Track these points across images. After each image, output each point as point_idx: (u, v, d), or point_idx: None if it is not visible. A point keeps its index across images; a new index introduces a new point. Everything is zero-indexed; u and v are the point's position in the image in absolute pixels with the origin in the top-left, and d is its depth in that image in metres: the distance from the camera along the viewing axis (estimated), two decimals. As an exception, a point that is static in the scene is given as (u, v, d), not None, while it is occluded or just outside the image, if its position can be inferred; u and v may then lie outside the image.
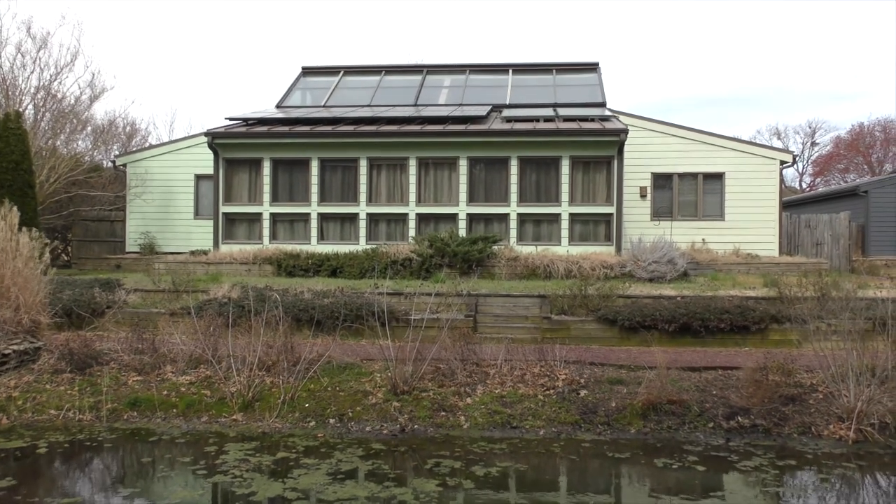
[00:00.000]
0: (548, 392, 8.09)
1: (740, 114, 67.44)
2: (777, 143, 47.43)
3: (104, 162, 22.62)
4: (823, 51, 66.81)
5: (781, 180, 19.09)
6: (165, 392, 8.18)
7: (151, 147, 21.88)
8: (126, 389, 8.29)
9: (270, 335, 8.61)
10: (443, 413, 7.69)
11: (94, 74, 20.52)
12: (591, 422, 7.51)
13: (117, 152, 24.33)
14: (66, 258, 20.60)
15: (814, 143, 49.35)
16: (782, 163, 18.38)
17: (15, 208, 9.72)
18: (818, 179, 48.00)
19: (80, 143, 21.68)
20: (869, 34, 65.58)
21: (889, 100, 60.07)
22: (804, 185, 48.57)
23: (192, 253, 16.98)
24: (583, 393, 8.06)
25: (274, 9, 67.23)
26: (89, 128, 22.33)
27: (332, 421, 7.64)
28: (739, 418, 7.43)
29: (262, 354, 8.39)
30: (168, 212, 19.59)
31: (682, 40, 69.19)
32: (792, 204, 27.36)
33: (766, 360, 8.10)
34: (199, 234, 18.72)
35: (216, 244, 16.83)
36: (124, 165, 20.06)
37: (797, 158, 39.98)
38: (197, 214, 19.46)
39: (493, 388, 8.25)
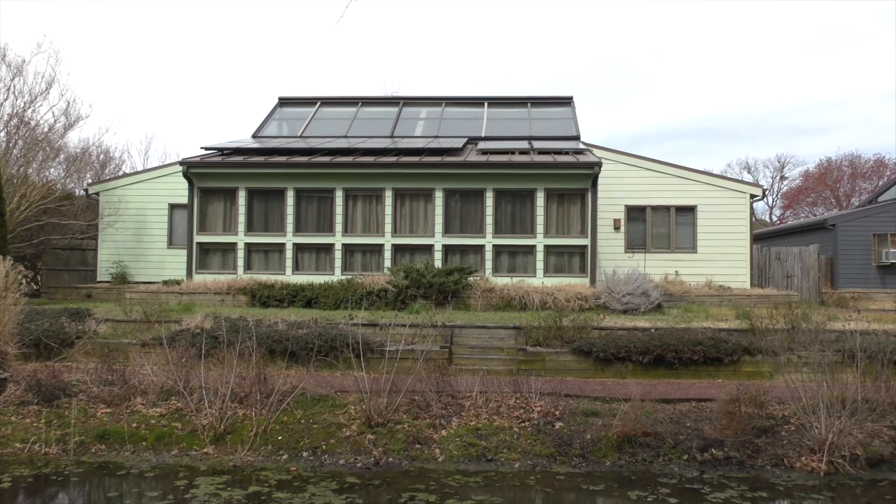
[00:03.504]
0: (523, 424, 8.08)
1: (710, 147, 68.87)
2: (747, 177, 48.45)
3: (77, 190, 22.39)
4: (791, 85, 68.65)
5: (752, 213, 19.45)
6: (135, 424, 8.03)
7: (125, 175, 21.73)
8: (94, 422, 8.13)
9: (244, 366, 8.52)
10: (417, 446, 7.64)
11: (69, 103, 20.24)
12: (567, 454, 7.50)
13: (90, 180, 24.13)
14: (35, 287, 20.22)
15: (783, 177, 50.49)
16: (752, 196, 18.73)
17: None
18: (788, 212, 49.00)
19: (52, 170, 21.45)
20: (836, 70, 67.56)
21: (855, 135, 61.74)
22: (774, 218, 49.54)
23: (165, 283, 16.79)
24: (558, 425, 8.06)
25: (251, 39, 67.59)
26: (62, 156, 22.11)
27: (305, 454, 7.55)
28: (713, 450, 7.48)
29: (234, 386, 8.29)
30: (141, 241, 19.38)
31: (654, 73, 70.68)
32: (763, 237, 27.87)
33: (738, 391, 8.17)
34: (173, 264, 18.53)
35: (190, 274, 16.67)
36: (97, 194, 19.87)
37: (767, 192, 40.90)
38: (171, 244, 19.27)
39: (468, 420, 8.22)
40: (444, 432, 7.91)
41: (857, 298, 19.32)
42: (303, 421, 8.15)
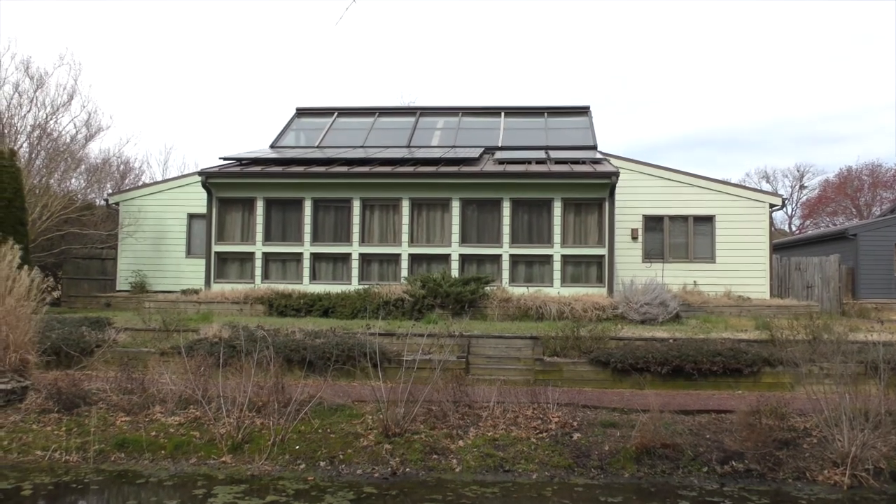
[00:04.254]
0: (541, 435, 8.03)
1: (729, 156, 68.37)
2: (766, 186, 48.05)
3: (97, 200, 22.69)
4: (811, 94, 68.12)
5: (771, 223, 19.29)
6: (154, 433, 8.08)
7: (145, 185, 21.96)
8: (114, 430, 8.19)
9: (261, 376, 8.55)
10: (435, 456, 7.62)
11: (90, 114, 20.58)
12: (585, 465, 7.45)
13: (110, 190, 24.44)
14: (55, 296, 20.44)
15: (802, 187, 50.01)
16: (771, 206, 18.59)
17: (17, 246, 9.73)
18: (807, 222, 48.49)
19: (73, 181, 21.77)
20: (857, 78, 66.97)
21: (876, 144, 61.09)
22: (793, 228, 49.05)
23: (184, 292, 16.92)
24: (576, 436, 8.01)
25: (269, 50, 68.22)
26: (83, 166, 22.45)
27: (322, 464, 7.55)
28: (734, 463, 7.40)
29: (252, 395, 8.32)
30: (160, 250, 19.56)
31: (672, 82, 70.43)
32: (782, 246, 27.59)
33: (759, 403, 8.08)
34: (191, 273, 18.67)
35: (208, 283, 16.79)
36: (117, 204, 20.09)
37: (786, 201, 40.49)
38: (189, 253, 19.43)
39: (485, 430, 8.19)
40: (461, 442, 7.89)
41: (880, 309, 19.06)
42: (320, 430, 8.15)
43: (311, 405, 8.47)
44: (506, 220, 16.41)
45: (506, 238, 16.37)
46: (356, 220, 16.74)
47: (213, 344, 10.90)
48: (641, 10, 69.06)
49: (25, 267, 9.59)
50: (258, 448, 7.75)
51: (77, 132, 20.08)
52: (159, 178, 31.56)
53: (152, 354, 11.12)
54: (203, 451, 7.78)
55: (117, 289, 19.62)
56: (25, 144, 18.97)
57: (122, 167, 28.96)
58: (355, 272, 16.61)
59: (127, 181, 29.14)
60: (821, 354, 9.98)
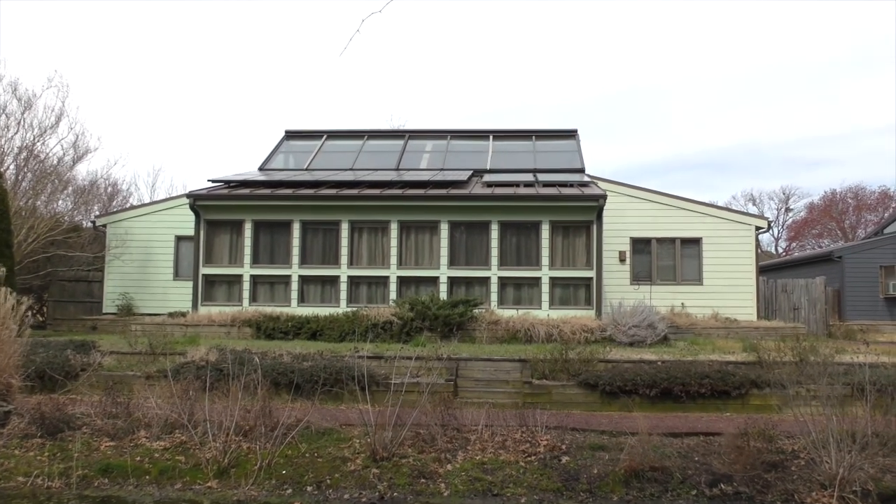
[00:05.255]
0: (529, 458, 8.00)
1: (715, 179, 69.12)
2: (752, 209, 48.54)
3: (84, 222, 22.56)
4: (796, 118, 69.05)
5: (757, 245, 19.45)
6: (139, 458, 7.98)
7: (132, 207, 21.90)
8: (98, 455, 8.08)
9: (248, 399, 8.49)
10: (423, 480, 7.57)
11: (77, 136, 20.50)
12: (574, 489, 7.42)
13: (98, 212, 24.34)
14: (41, 319, 20.28)
15: (788, 209, 50.57)
16: (758, 228, 18.76)
17: (2, 268, 9.65)
18: (793, 244, 48.95)
19: (60, 203, 21.65)
20: (841, 103, 68.00)
21: (859, 167, 61.92)
22: (780, 250, 49.47)
23: (171, 315, 16.82)
24: (564, 459, 7.99)
25: (258, 73, 68.52)
26: (70, 188, 22.33)
27: (309, 488, 7.48)
28: (722, 485, 7.38)
29: (239, 419, 8.25)
30: (147, 273, 19.46)
31: (658, 105, 71.22)
32: (769, 268, 27.80)
33: (747, 425, 8.08)
34: (178, 296, 18.58)
35: (195, 306, 16.70)
36: (104, 226, 20.02)
37: (772, 224, 40.85)
38: (176, 276, 19.35)
39: (474, 454, 8.14)
40: (449, 466, 7.84)
41: (866, 331, 19.21)
42: (307, 455, 8.09)
43: (299, 429, 8.41)
44: (494, 243, 16.45)
45: (494, 261, 16.41)
46: (345, 242, 16.74)
47: (199, 367, 10.82)
48: (627, 36, 70.07)
49: (8, 289, 9.49)
50: (245, 473, 7.67)
51: (64, 154, 20.03)
52: (147, 200, 31.51)
53: (138, 378, 11.01)
54: (189, 475, 7.69)
55: (104, 311, 19.47)
56: (12, 166, 18.90)
57: (109, 189, 28.90)
58: (343, 295, 16.57)
59: (114, 203, 29.05)
60: (808, 376, 10.03)
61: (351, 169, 20.14)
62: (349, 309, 15.94)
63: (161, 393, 9.26)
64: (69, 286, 20.17)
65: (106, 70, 62.23)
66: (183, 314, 16.56)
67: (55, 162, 19.93)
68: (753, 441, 7.83)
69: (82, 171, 41.58)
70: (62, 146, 19.83)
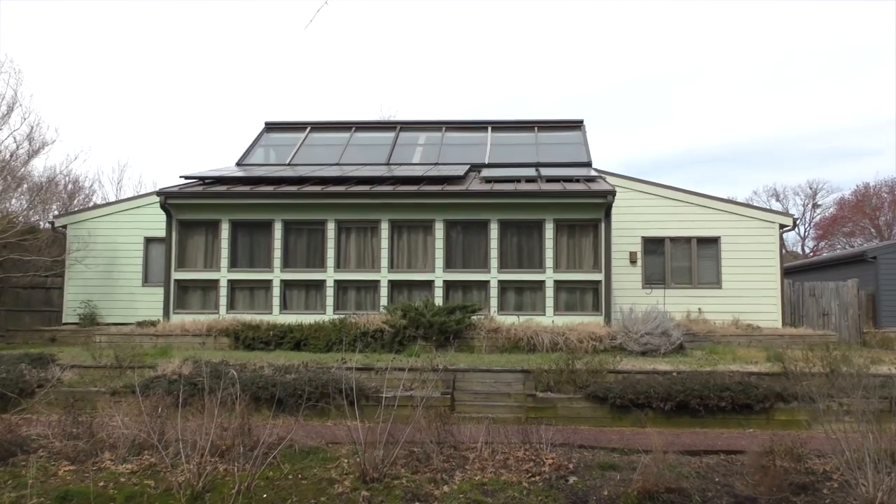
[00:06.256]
0: (533, 479, 7.98)
1: (735, 173, 69.27)
2: (776, 206, 48.66)
3: (41, 223, 22.50)
4: (822, 106, 69.26)
5: (782, 245, 19.48)
6: (102, 483, 7.92)
7: (96, 207, 21.84)
8: (56, 481, 8.01)
9: (226, 416, 8.45)
10: (417, 503, 7.54)
11: (32, 127, 20.26)
12: (582, 512, 7.39)
13: (57, 212, 24.28)
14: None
15: (815, 205, 50.67)
16: (782, 226, 18.77)
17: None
18: (822, 244, 49.05)
19: (14, 201, 21.53)
20: (874, 90, 68.21)
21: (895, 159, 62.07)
22: (807, 250, 49.58)
23: (139, 324, 16.77)
24: (572, 480, 7.97)
25: (236, 59, 68.45)
26: (26, 185, 22.22)
27: (292, 514, 7.44)
28: (745, 508, 7.37)
29: (215, 438, 8.20)
30: (113, 278, 19.39)
31: (673, 93, 71.41)
32: (794, 270, 27.84)
33: (772, 443, 8.07)
34: (148, 303, 18.52)
35: (167, 314, 16.65)
36: (64, 227, 19.95)
37: (798, 221, 40.90)
38: (146, 281, 19.29)
39: (472, 474, 8.12)
40: (445, 488, 7.81)
41: (904, 339, 19.18)
42: (290, 476, 8.05)
43: (281, 448, 8.37)
44: (493, 244, 16.45)
45: (494, 263, 16.41)
46: (331, 243, 16.72)
47: (171, 381, 10.82)
48: (637, 17, 70.25)
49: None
50: (221, 497, 7.62)
51: (18, 147, 19.88)
52: (112, 199, 31.53)
53: (102, 394, 10.98)
54: (158, 501, 7.64)
55: (64, 321, 19.39)
56: (-40, 162, 18.81)
57: (70, 186, 28.88)
58: (330, 301, 16.55)
59: (76, 202, 29.03)
60: (840, 389, 10.01)
61: (337, 164, 20.13)
62: (336, 316, 15.92)
63: (128, 410, 9.22)
64: (24, 294, 20.08)
65: (64, 57, 62.16)
66: (153, 323, 16.51)
67: (7, 156, 19.79)
68: (780, 460, 7.82)
69: (39, 167, 41.58)
70: (15, 138, 19.68)
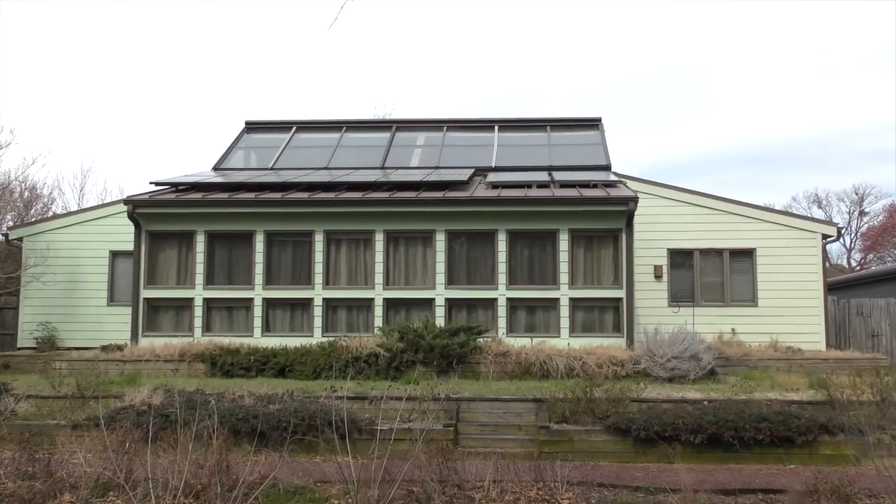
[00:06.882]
0: (548, 522, 7.97)
1: (772, 177, 69.28)
2: (818, 213, 48.73)
3: (-6, 235, 22.50)
4: (871, 102, 69.25)
5: (825, 258, 19.49)
6: (63, 527, 7.93)
7: (56, 217, 21.92)
8: (11, 525, 8.02)
9: (201, 452, 8.43)
10: (417, 550, 7.53)
11: (-18, 129, 20.54)
12: (603, 560, 7.38)
13: (12, 223, 24.33)
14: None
15: (862, 213, 50.65)
16: (825, 237, 18.76)
17: None
18: (870, 256, 48.98)
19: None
20: (919, 86, 68.20)
21: (947, 162, 62.04)
22: (853, 263, 49.53)
23: (105, 348, 16.76)
24: (591, 523, 7.95)
25: (214, 53, 68.71)
26: (-25, 193, 22.32)
27: (276, 562, 7.43)
28: (786, 554, 7.35)
29: (189, 476, 8.19)
30: (75, 297, 19.41)
31: (702, 89, 71.52)
32: (840, 286, 27.80)
33: (816, 480, 8.04)
34: (114, 325, 18.50)
35: (135, 337, 16.66)
36: (20, 239, 20.00)
37: (843, 231, 40.89)
38: (112, 300, 19.31)
39: (479, 517, 8.11)
40: (449, 533, 7.80)
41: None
42: (273, 520, 8.04)
43: (264, 488, 8.35)
44: (501, 257, 16.47)
45: (502, 279, 16.42)
46: (319, 257, 16.75)
47: (140, 413, 10.84)
48: (658, 6, 70.48)
49: None
50: (196, 543, 7.61)
51: (-33, 150, 20.01)
52: (74, 208, 31.60)
53: (62, 428, 11.00)
54: (126, 547, 7.64)
55: (19, 346, 19.41)
56: None
57: (26, 194, 28.94)
58: (318, 322, 16.56)
59: (33, 211, 29.08)
60: (892, 420, 10.00)
61: (326, 168, 20.19)
62: (325, 339, 15.91)
63: (91, 446, 9.21)
64: (-24, 315, 20.11)
65: (20, 51, 62.50)
66: (120, 348, 16.51)
67: (-46, 161, 19.89)
68: (825, 500, 7.80)
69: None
70: (-37, 140, 19.86)
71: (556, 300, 16.35)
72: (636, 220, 16.41)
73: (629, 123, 65.29)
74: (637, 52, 71.98)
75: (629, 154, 63.40)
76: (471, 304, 16.59)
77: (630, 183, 18.20)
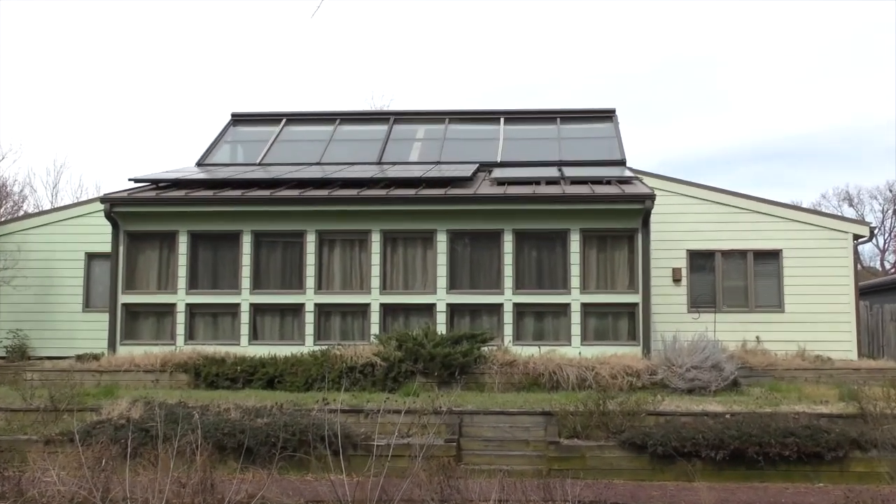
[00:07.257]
0: (558, 545, 7.95)
1: (799, 173, 69.22)
2: (849, 212, 48.66)
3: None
4: (901, 95, 69.12)
5: (857, 260, 19.45)
6: (35, 551, 7.92)
7: (27, 216, 21.96)
8: (-21, 549, 8.01)
9: (184, 469, 8.43)
10: (416, 575, 7.52)
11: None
12: (617, 585, 7.36)
13: (-20, 223, 24.28)
14: None
15: (897, 212, 50.53)
16: (857, 237, 18.72)
17: None
18: (905, 258, 48.90)
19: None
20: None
21: None
22: (887, 266, 49.48)
23: (80, 357, 16.73)
24: (605, 545, 7.94)
25: (198, 42, 68.72)
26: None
27: (264, 588, 7.41)
28: (815, 579, 7.33)
29: (170, 496, 8.18)
30: (48, 302, 19.40)
31: (724, 79, 71.48)
32: (872, 290, 27.72)
33: (847, 500, 8.04)
34: (90, 333, 18.47)
35: (112, 346, 16.65)
36: (-11, 240, 20.00)
37: (876, 231, 40.75)
38: (87, 306, 19.30)
39: (483, 539, 8.10)
40: (451, 557, 7.79)
41: None
42: (261, 542, 8.03)
43: (251, 508, 8.36)
44: (508, 259, 16.46)
45: (508, 282, 16.40)
46: (311, 259, 16.74)
47: (118, 427, 10.84)
48: (680, -15, 70.43)
49: None
50: (178, 568, 7.60)
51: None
52: (47, 206, 31.65)
53: (34, 443, 11.01)
54: (102, 573, 7.62)
55: (-12, 355, 19.41)
56: None
57: (-3, 192, 28.91)
58: (310, 329, 16.55)
59: (3, 210, 29.12)
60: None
61: (318, 163, 20.17)
62: (317, 348, 15.90)
63: (65, 463, 9.19)
64: (-59, 322, 20.09)
65: (-5, 36, 62.48)
66: (96, 357, 16.48)
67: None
68: (857, 521, 7.78)
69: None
70: (-73, 134, 19.89)
71: (567, 306, 16.33)
72: (653, 219, 16.37)
73: (636, 117, 65.27)
74: (643, 43, 72.02)
75: (636, 149, 63.34)
76: (474, 309, 16.57)
77: (646, 179, 18.17)
